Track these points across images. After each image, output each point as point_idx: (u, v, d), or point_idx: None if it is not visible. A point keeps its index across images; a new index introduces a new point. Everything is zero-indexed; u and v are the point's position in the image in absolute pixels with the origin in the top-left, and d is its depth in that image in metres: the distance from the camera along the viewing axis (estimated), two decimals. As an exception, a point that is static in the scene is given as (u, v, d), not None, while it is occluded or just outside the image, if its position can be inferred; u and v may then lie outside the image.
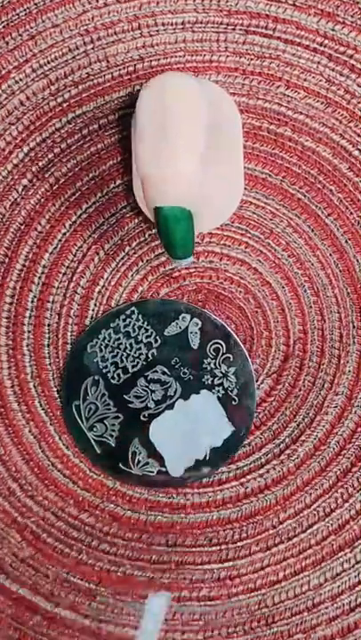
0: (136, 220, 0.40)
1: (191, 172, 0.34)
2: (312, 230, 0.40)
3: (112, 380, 0.39)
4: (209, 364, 0.39)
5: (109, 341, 0.39)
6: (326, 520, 0.40)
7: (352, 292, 0.40)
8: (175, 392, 0.39)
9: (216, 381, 0.39)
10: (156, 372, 0.39)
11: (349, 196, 0.39)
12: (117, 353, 0.39)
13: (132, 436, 0.40)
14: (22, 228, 0.40)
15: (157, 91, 0.34)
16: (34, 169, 0.40)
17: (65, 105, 0.39)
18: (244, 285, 0.40)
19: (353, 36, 0.39)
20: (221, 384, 0.39)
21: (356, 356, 0.40)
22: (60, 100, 0.39)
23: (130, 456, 0.40)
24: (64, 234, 0.40)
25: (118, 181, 0.40)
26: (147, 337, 0.39)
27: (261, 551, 0.40)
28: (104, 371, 0.39)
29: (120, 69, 0.39)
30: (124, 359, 0.39)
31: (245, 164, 0.39)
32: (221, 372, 0.39)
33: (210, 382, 0.39)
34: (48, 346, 0.40)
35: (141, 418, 0.40)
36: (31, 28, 0.39)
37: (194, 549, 0.40)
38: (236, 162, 0.39)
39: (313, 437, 0.40)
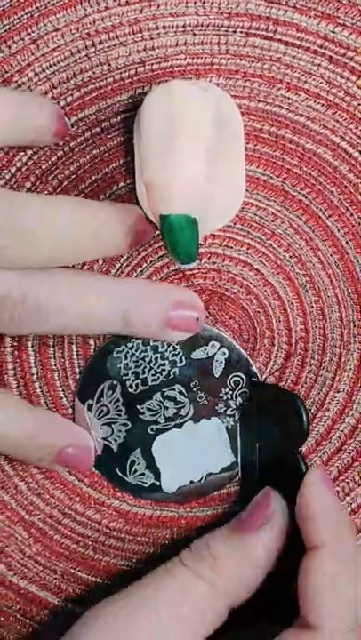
0: (140, 223, 0.40)
1: (196, 179, 0.34)
2: (313, 231, 0.40)
3: (129, 389, 0.40)
4: (226, 393, 0.40)
5: (136, 351, 0.40)
6: (328, 514, 0.41)
7: (353, 291, 0.40)
8: (187, 413, 0.40)
9: (229, 412, 0.40)
10: (174, 390, 0.40)
11: (350, 198, 0.40)
12: (141, 364, 0.40)
13: (135, 446, 0.41)
14: (27, 230, 0.40)
15: (162, 99, 0.35)
16: (37, 172, 0.40)
17: (67, 108, 0.40)
18: (247, 286, 0.40)
19: (353, 38, 0.39)
20: (233, 416, 0.40)
21: (357, 354, 0.41)
22: (62, 103, 0.40)
23: (128, 464, 0.41)
24: (68, 236, 0.40)
25: (121, 184, 0.40)
26: (173, 355, 0.40)
27: (265, 544, 0.41)
28: (124, 378, 0.40)
29: (121, 72, 0.40)
30: (146, 371, 0.40)
31: (247, 166, 0.40)
32: (236, 405, 0.40)
33: (222, 411, 0.40)
34: (53, 346, 0.41)
35: (149, 430, 0.40)
36: (33, 31, 0.39)
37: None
38: (238, 164, 0.39)
39: (315, 433, 0.41)
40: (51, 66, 0.39)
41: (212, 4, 0.39)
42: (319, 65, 0.39)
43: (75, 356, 0.41)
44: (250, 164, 0.40)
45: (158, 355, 0.40)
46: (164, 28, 0.39)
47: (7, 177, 0.40)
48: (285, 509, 0.37)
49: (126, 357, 0.40)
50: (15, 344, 0.41)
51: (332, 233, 0.40)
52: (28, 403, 0.41)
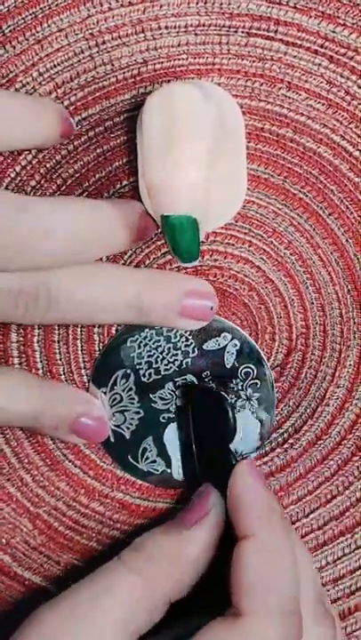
0: (142, 221, 0.41)
1: (197, 180, 0.35)
2: (313, 229, 0.41)
3: (142, 378, 0.41)
4: (237, 384, 0.41)
5: (149, 341, 0.40)
6: (328, 506, 0.42)
7: (352, 289, 0.41)
8: None
9: (238, 403, 0.41)
10: (186, 379, 0.41)
11: (350, 196, 0.40)
12: (154, 354, 0.41)
13: (147, 434, 0.41)
14: (31, 228, 0.41)
15: (164, 100, 0.35)
16: (42, 170, 0.40)
17: (71, 108, 0.40)
18: (248, 283, 0.41)
19: (353, 37, 0.39)
20: (243, 406, 0.41)
21: (357, 350, 0.41)
22: (66, 102, 0.40)
23: (140, 451, 0.41)
24: (72, 234, 0.41)
25: (125, 182, 0.41)
26: (185, 345, 0.41)
27: (266, 536, 0.42)
28: (137, 367, 0.41)
29: (124, 72, 0.40)
30: (159, 361, 0.41)
31: (248, 165, 0.40)
32: (246, 395, 0.41)
33: (233, 401, 0.41)
34: (58, 342, 0.41)
35: (160, 419, 0.41)
36: (37, 32, 0.40)
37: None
38: (240, 163, 0.40)
39: (315, 427, 0.42)
40: (55, 66, 0.40)
41: (213, 4, 0.39)
42: (320, 65, 0.40)
43: (79, 352, 0.42)
44: (251, 163, 0.40)
45: (171, 345, 0.41)
46: (166, 28, 0.40)
47: (12, 175, 0.40)
48: (223, 505, 0.38)
49: (140, 347, 0.41)
50: (21, 339, 0.41)
51: (333, 231, 0.41)
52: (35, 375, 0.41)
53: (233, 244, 0.41)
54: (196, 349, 0.41)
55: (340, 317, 0.41)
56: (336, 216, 0.41)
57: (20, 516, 0.42)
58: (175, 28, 0.40)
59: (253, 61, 0.40)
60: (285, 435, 0.42)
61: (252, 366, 0.41)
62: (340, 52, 0.40)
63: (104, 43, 0.40)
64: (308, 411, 0.42)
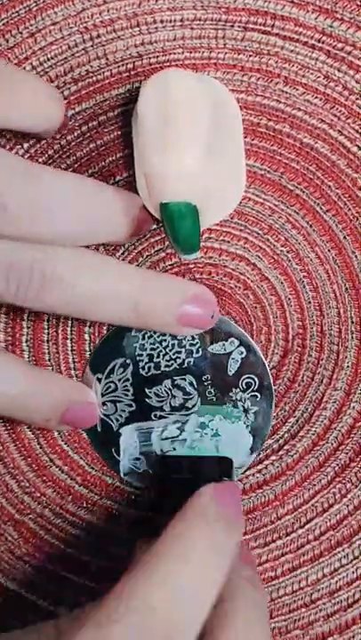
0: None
1: (195, 166, 0.34)
2: (311, 226, 0.40)
3: (141, 370, 0.40)
4: (236, 394, 0.40)
5: (155, 333, 0.39)
6: (324, 515, 0.40)
7: (351, 287, 0.40)
8: (193, 406, 0.40)
9: (235, 413, 0.39)
10: (185, 379, 0.40)
11: (348, 193, 0.40)
12: (157, 347, 0.39)
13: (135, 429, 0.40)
14: (21, 223, 0.40)
15: (159, 87, 0.35)
16: (33, 165, 0.40)
17: (65, 102, 0.39)
18: (244, 281, 0.40)
19: (351, 32, 0.39)
20: (239, 418, 0.40)
21: (355, 351, 0.40)
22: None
23: (126, 446, 0.40)
24: (63, 229, 0.40)
25: (118, 177, 0.40)
26: (190, 344, 0.39)
27: (260, 547, 0.40)
28: (138, 358, 0.40)
29: (119, 66, 0.40)
30: (161, 356, 0.39)
31: (244, 161, 0.39)
32: (243, 407, 0.40)
33: (228, 411, 0.40)
34: (47, 342, 0.40)
35: (152, 416, 0.40)
36: (31, 25, 0.39)
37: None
38: (238, 157, 0.39)
39: (311, 433, 0.40)
40: (48, 59, 0.39)
41: (210, -2, 0.39)
42: (317, 59, 0.39)
43: (69, 352, 0.40)
44: (247, 159, 0.40)
45: (176, 342, 0.40)
46: (161, 22, 0.39)
47: (3, 170, 0.40)
48: None
49: (144, 338, 0.40)
50: (9, 339, 0.40)
51: (330, 228, 0.40)
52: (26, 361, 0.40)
53: (228, 241, 0.40)
54: (200, 350, 0.40)
55: (338, 317, 0.40)
56: (334, 213, 0.40)
57: (4, 523, 0.41)
58: (171, 21, 0.39)
59: (250, 56, 0.39)
60: (281, 441, 0.40)
61: (255, 378, 0.40)
62: (337, 46, 0.39)
63: (99, 36, 0.39)
64: (304, 415, 0.40)
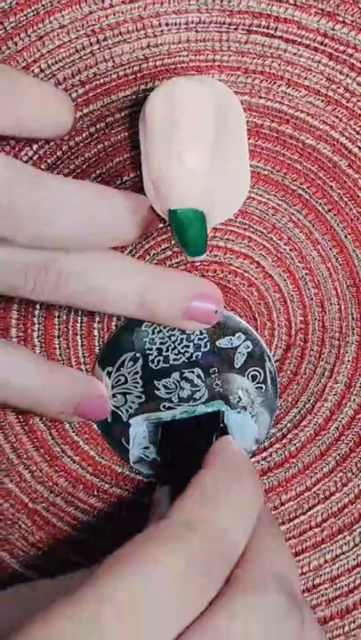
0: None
1: (201, 171, 0.35)
2: (313, 225, 0.41)
3: (150, 364, 0.41)
4: (242, 385, 0.41)
5: (164, 328, 0.41)
6: (326, 503, 0.42)
7: (351, 284, 0.41)
8: (200, 397, 0.41)
9: (241, 404, 0.41)
10: (193, 372, 0.41)
11: (349, 193, 0.41)
12: (166, 342, 0.41)
13: (144, 419, 0.41)
14: (32, 223, 0.41)
15: (167, 95, 0.36)
16: (42, 166, 0.41)
17: (73, 105, 0.40)
18: (248, 278, 0.41)
19: (353, 35, 0.40)
20: (245, 407, 0.41)
21: (355, 346, 0.41)
22: (67, 98, 0.41)
23: (135, 435, 0.41)
24: (72, 229, 0.41)
25: (125, 178, 0.41)
26: (199, 339, 0.41)
27: (264, 533, 0.42)
28: (147, 352, 0.41)
29: (125, 69, 0.40)
30: (170, 350, 0.41)
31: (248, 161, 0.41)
32: (249, 398, 0.41)
33: (235, 402, 0.41)
34: (58, 337, 0.42)
35: (160, 407, 0.41)
36: (39, 28, 0.40)
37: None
38: (242, 157, 0.40)
39: (313, 423, 0.42)
40: (56, 62, 0.40)
41: (214, 1, 0.40)
42: (319, 62, 0.40)
43: (79, 347, 0.42)
44: (251, 159, 0.41)
45: (184, 336, 0.41)
46: (167, 25, 0.40)
47: (13, 171, 0.41)
48: None
49: (153, 333, 0.41)
50: (21, 334, 0.41)
51: (332, 227, 0.41)
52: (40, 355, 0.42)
53: (233, 240, 0.41)
54: (208, 344, 0.41)
55: (339, 313, 0.41)
56: (335, 212, 0.41)
57: (18, 512, 0.42)
58: (176, 24, 0.40)
59: (253, 58, 0.40)
60: (284, 430, 0.42)
61: (260, 370, 0.41)
62: (339, 49, 0.40)
63: (105, 39, 0.40)
64: (306, 406, 0.42)
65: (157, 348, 0.41)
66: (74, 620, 0.28)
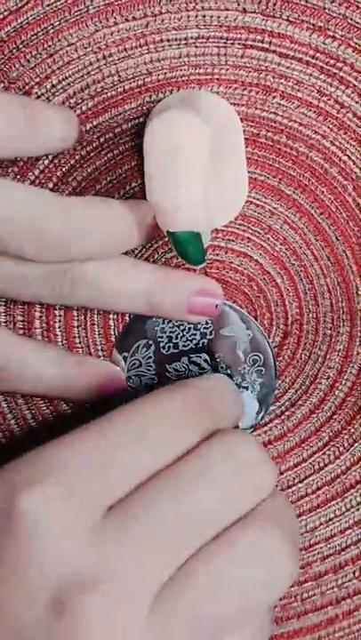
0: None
1: (198, 199, 0.38)
2: (306, 227, 0.44)
3: (162, 350, 0.45)
4: (244, 369, 0.45)
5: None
6: (320, 473, 0.46)
7: (341, 281, 0.44)
8: None
9: (243, 384, 0.45)
10: (200, 357, 0.45)
11: (339, 198, 0.44)
12: (175, 330, 0.45)
13: None
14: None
15: (164, 129, 0.39)
16: (58, 173, 0.44)
17: (83, 116, 0.43)
18: (248, 275, 0.45)
19: (342, 49, 0.42)
20: (247, 387, 0.45)
21: (346, 336, 0.45)
22: (78, 112, 0.43)
23: None
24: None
25: (133, 184, 0.44)
26: (205, 328, 0.45)
27: (266, 498, 0.47)
28: (159, 339, 0.45)
29: (130, 83, 0.43)
30: (179, 337, 0.45)
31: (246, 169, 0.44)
32: (250, 379, 0.45)
33: (238, 382, 0.45)
34: (77, 327, 0.46)
35: None
36: (49, 46, 0.43)
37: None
38: (240, 165, 0.43)
39: (309, 402, 0.46)
40: (66, 77, 0.43)
41: (211, 17, 0.42)
42: (311, 75, 0.42)
43: (97, 336, 0.46)
44: (248, 166, 0.44)
45: (192, 325, 0.45)
46: (168, 41, 0.43)
47: (32, 178, 0.44)
48: None
49: (164, 322, 0.45)
50: (44, 325, 0.45)
51: (323, 229, 0.44)
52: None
53: (233, 240, 0.45)
54: (213, 332, 0.45)
55: (331, 307, 0.45)
56: (326, 216, 0.44)
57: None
58: (176, 40, 0.43)
59: (250, 72, 0.43)
60: (283, 407, 0.46)
61: (261, 355, 0.45)
62: (329, 62, 0.42)
63: (111, 55, 0.43)
64: (302, 387, 0.46)
65: (168, 336, 0.45)
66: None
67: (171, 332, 0.45)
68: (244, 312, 0.45)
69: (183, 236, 0.39)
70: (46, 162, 0.44)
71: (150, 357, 0.45)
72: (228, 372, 0.45)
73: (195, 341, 0.45)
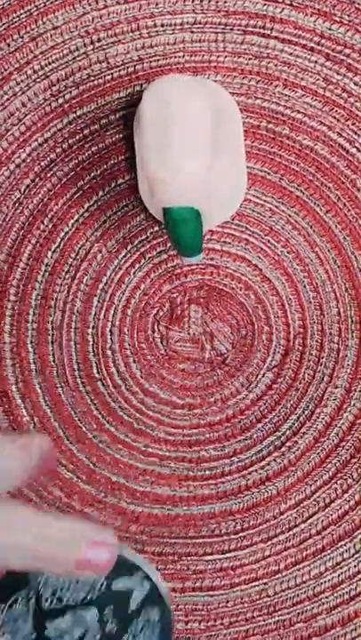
0: (138, 218, 0.41)
1: (197, 171, 0.35)
2: (311, 227, 0.41)
3: (44, 603, 0.38)
4: (136, 626, 0.38)
5: None
6: (326, 510, 0.41)
7: (350, 287, 0.41)
8: (94, 637, 0.38)
9: None
10: (87, 612, 0.38)
11: (347, 194, 0.41)
12: (62, 581, 0.39)
13: None
14: (25, 227, 0.41)
15: (160, 93, 0.35)
16: (36, 169, 0.40)
17: (66, 106, 0.40)
18: (245, 282, 0.41)
19: (350, 35, 0.40)
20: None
21: (355, 349, 0.41)
22: (61, 100, 0.40)
23: None
24: (67, 232, 0.41)
25: (120, 180, 0.41)
26: (95, 580, 0.38)
27: (263, 541, 0.41)
28: (41, 592, 0.39)
29: (120, 70, 0.40)
30: (64, 590, 0.38)
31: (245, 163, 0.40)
32: (143, 637, 0.39)
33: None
34: (52, 343, 0.41)
35: None
36: (32, 29, 0.40)
37: (196, 540, 0.41)
38: (239, 159, 0.40)
39: (313, 429, 0.41)
40: (49, 63, 0.40)
41: (209, 2, 0.40)
42: (316, 62, 0.40)
43: (73, 353, 0.41)
44: (248, 161, 0.41)
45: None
46: (162, 25, 0.40)
47: (6, 174, 0.40)
48: None
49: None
50: (14, 341, 0.41)
51: (330, 229, 0.41)
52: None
53: (230, 243, 0.41)
54: (103, 587, 0.39)
55: (339, 316, 0.41)
56: (333, 213, 0.41)
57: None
58: (171, 25, 0.40)
59: (250, 59, 0.40)
60: (283, 438, 0.41)
61: (158, 609, 0.40)
62: (336, 49, 0.40)
63: (99, 40, 0.40)
64: (306, 412, 0.41)
65: (52, 589, 0.39)
66: None
67: (56, 582, 0.39)
68: (142, 559, 0.38)
69: (180, 213, 0.35)
70: (23, 155, 0.40)
71: (28, 612, 0.39)
72: (118, 628, 0.38)
73: (82, 595, 0.38)
